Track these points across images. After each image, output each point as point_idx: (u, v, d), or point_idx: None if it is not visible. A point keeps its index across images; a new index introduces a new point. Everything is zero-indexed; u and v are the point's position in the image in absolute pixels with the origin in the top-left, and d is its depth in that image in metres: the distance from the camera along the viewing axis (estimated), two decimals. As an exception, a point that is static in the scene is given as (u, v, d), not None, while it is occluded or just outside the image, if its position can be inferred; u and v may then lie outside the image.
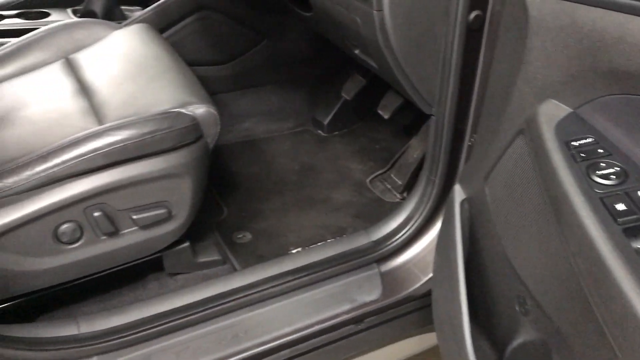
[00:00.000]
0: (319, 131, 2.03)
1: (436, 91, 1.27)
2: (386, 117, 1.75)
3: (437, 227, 1.41)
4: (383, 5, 1.13)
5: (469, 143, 1.32)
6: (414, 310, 1.41)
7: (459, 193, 1.08)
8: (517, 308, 0.95)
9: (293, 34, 1.94)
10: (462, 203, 1.08)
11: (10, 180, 1.13)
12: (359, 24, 1.23)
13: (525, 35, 0.84)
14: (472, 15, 1.16)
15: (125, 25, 1.64)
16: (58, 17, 1.78)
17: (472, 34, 1.19)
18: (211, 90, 1.94)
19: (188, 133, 1.24)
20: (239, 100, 1.98)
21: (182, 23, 1.78)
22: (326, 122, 2.01)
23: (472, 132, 1.31)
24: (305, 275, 1.34)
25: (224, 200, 1.71)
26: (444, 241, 1.13)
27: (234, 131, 1.97)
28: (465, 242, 1.06)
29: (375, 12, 1.15)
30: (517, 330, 0.93)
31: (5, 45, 1.54)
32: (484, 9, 1.17)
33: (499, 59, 0.99)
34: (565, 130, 0.78)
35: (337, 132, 2.02)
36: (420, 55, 1.22)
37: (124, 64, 1.45)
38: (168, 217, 1.27)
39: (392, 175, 1.78)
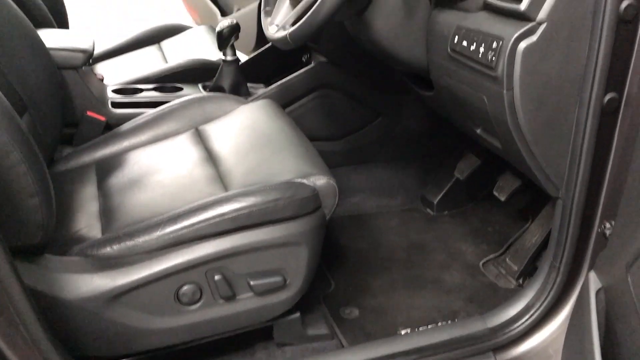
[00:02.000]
0: (428, 210, 2.00)
1: (565, 173, 1.23)
2: (502, 199, 1.70)
3: (561, 316, 1.32)
4: (514, 84, 1.12)
5: (599, 230, 1.24)
6: (535, 407, 1.31)
7: (594, 282, 1.01)
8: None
9: (408, 112, 1.97)
10: (597, 292, 1.01)
11: (141, 239, 1.18)
12: (485, 103, 1.22)
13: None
14: (607, 98, 1.13)
15: (251, 101, 1.73)
16: (189, 91, 1.91)
17: (607, 116, 1.15)
18: (324, 164, 1.99)
19: (308, 203, 1.25)
20: (350, 175, 2.01)
21: (303, 100, 1.86)
22: (436, 201, 1.98)
23: (602, 218, 1.24)
24: (416, 359, 1.29)
25: (332, 274, 1.70)
26: (576, 333, 1.05)
27: (343, 205, 1.98)
28: (600, 334, 0.98)
29: (505, 91, 1.14)
30: None
31: (142, 115, 1.67)
32: (620, 92, 1.13)
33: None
34: None
35: (446, 212, 1.98)
36: (550, 135, 1.19)
37: (249, 136, 1.52)
38: (283, 286, 1.27)
39: (507, 260, 1.70)
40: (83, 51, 1.68)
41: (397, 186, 2.04)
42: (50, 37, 1.66)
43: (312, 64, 1.88)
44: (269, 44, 2.09)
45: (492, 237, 1.84)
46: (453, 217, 1.96)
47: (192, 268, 1.19)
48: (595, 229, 1.25)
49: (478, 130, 1.39)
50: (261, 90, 1.92)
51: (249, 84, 1.95)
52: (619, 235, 1.02)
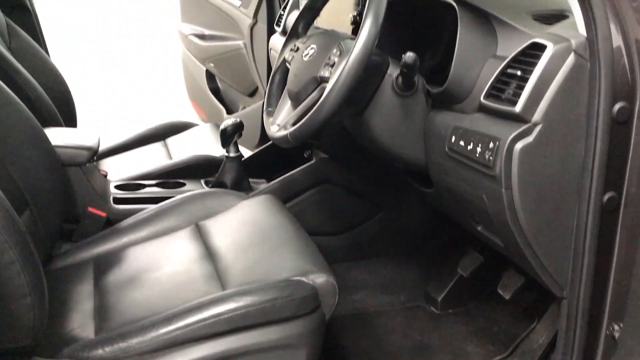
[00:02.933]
0: (432, 308, 1.95)
1: (568, 272, 1.21)
2: (507, 297, 1.67)
3: None
4: (512, 183, 1.13)
5: (607, 332, 1.20)
6: None
7: (606, 390, 0.97)
8: None
9: (409, 207, 1.97)
10: (610, 401, 0.96)
11: (135, 341, 1.15)
12: (485, 202, 1.22)
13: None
14: (606, 197, 1.13)
15: (253, 196, 1.74)
16: (192, 187, 1.93)
17: (607, 215, 1.14)
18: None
19: (307, 302, 1.23)
20: (351, 272, 1.98)
21: (304, 195, 1.87)
22: (440, 298, 1.93)
23: (610, 319, 1.20)
24: None
25: (333, 377, 1.63)
26: None
27: (344, 303, 1.94)
28: None
29: (504, 190, 1.14)
30: None
31: (143, 211, 1.67)
32: (619, 191, 1.13)
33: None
34: None
35: (451, 310, 1.93)
36: (551, 234, 1.18)
37: (249, 232, 1.52)
38: (280, 393, 1.22)
39: (514, 362, 1.64)
40: (87, 149, 1.72)
41: (399, 283, 2.01)
42: (56, 135, 1.70)
43: (313, 160, 1.90)
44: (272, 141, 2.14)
45: (498, 337, 1.78)
46: (458, 316, 1.91)
47: (186, 372, 1.15)
48: (604, 331, 1.21)
49: (479, 228, 1.38)
50: (263, 185, 1.93)
51: (251, 180, 1.96)
52: (629, 338, 0.98)
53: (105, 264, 1.51)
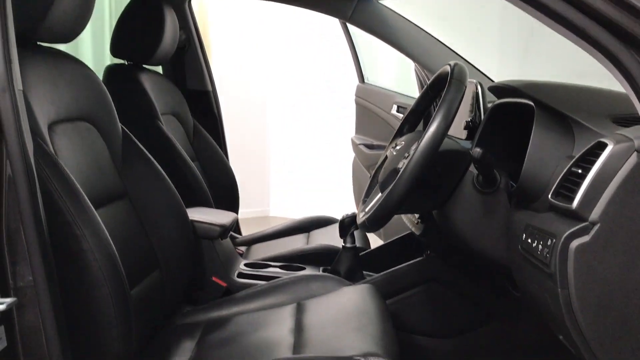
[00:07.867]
0: None
1: (646, 397, 1.07)
2: None
3: None
4: (568, 284, 1.08)
5: None
6: None
7: None
8: None
9: (525, 319, 1.86)
10: None
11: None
12: (549, 304, 1.17)
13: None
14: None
15: (355, 284, 1.82)
16: (310, 272, 2.07)
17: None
18: (430, 362, 1.92)
19: (359, 382, 1.26)
20: (458, 380, 1.90)
21: (411, 291, 1.89)
22: None
23: None
24: None
25: None
26: None
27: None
28: None
29: (559, 289, 1.09)
30: None
31: (256, 286, 1.86)
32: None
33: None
34: None
35: None
36: (620, 349, 1.08)
37: (337, 313, 1.60)
38: None
39: None
40: (220, 226, 1.98)
41: (511, 401, 1.87)
42: (198, 213, 2.00)
43: (422, 257, 1.93)
44: (395, 238, 2.23)
45: None
46: None
47: None
48: None
49: (560, 337, 1.29)
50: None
51: (365, 272, 2.04)
52: None
53: (212, 327, 1.70)
